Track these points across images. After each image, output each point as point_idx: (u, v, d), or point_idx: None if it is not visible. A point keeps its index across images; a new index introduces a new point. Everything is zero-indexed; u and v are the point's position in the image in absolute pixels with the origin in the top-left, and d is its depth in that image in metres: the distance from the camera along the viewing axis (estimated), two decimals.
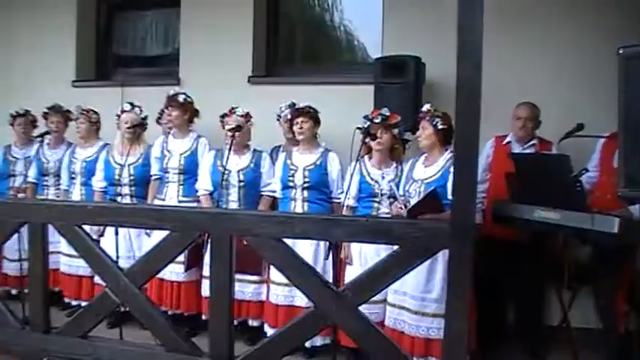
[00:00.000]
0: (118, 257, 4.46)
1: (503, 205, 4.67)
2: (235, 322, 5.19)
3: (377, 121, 4.81)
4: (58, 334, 4.30)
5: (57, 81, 7.27)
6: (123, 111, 5.76)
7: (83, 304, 5.70)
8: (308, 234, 3.73)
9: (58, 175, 6.32)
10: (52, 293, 5.50)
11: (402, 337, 4.48)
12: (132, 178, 5.72)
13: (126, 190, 5.70)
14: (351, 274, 4.45)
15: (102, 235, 5.35)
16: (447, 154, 4.61)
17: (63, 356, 4.31)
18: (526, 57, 5.56)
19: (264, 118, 5.59)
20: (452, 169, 4.32)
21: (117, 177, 5.69)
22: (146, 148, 5.83)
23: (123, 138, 5.73)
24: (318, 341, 4.95)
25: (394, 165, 5.00)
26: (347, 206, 4.94)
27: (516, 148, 5.16)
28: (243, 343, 4.92)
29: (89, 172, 6.00)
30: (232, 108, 5.38)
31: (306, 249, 4.78)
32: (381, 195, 4.89)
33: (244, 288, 5.21)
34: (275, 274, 4.98)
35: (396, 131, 4.91)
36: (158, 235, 4.92)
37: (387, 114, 4.84)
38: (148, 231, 5.35)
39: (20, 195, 6.09)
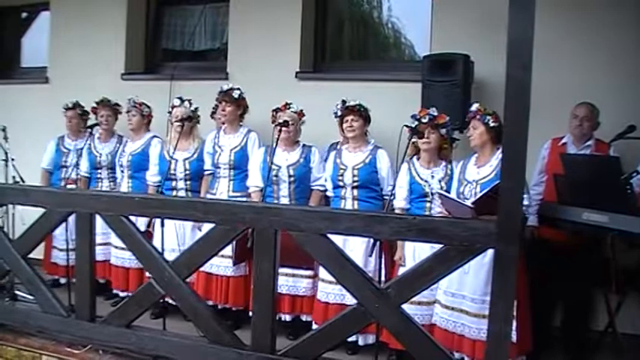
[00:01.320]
0: (163, 249, 4.49)
1: (550, 207, 4.60)
2: (289, 318, 5.26)
3: (424, 120, 4.75)
4: (103, 323, 4.37)
5: (106, 74, 7.31)
6: (173, 106, 5.78)
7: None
8: (353, 230, 3.73)
9: (110, 168, 6.35)
10: (99, 283, 5.57)
11: (462, 340, 4.41)
12: (187, 172, 5.74)
13: (181, 184, 5.73)
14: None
15: (149, 226, 5.38)
16: (499, 153, 4.51)
17: (107, 345, 4.37)
18: (583, 54, 5.41)
19: (311, 114, 5.55)
20: None
21: (172, 171, 5.70)
22: (200, 143, 5.83)
23: (175, 133, 5.75)
24: (360, 341, 4.96)
25: (443, 164, 4.92)
26: (399, 208, 4.90)
27: (572, 149, 5.01)
28: (285, 337, 4.92)
29: (135, 164, 6.05)
30: (287, 103, 5.37)
31: (357, 246, 4.77)
32: (432, 194, 4.81)
33: (298, 283, 5.18)
34: (324, 272, 4.89)
35: (443, 131, 4.85)
36: (207, 229, 4.99)
37: (435, 113, 4.78)
38: (199, 225, 5.38)
39: (71, 186, 6.15)
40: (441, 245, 3.49)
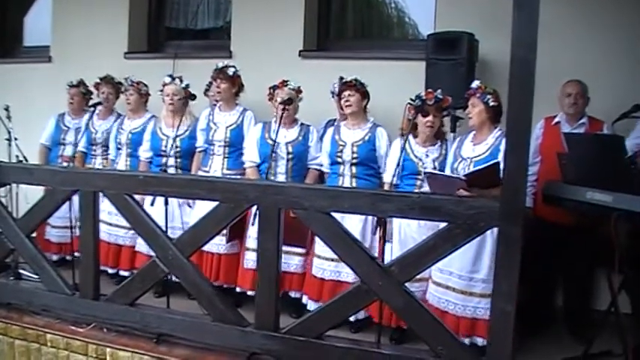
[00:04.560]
0: (167, 227, 4.50)
1: (554, 186, 4.59)
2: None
3: (430, 103, 4.73)
4: (107, 302, 4.39)
5: (109, 53, 7.29)
6: (164, 84, 5.79)
7: (122, 272, 5.87)
8: (357, 209, 3.74)
9: (105, 146, 6.38)
10: None
11: (445, 315, 4.42)
12: (178, 149, 5.73)
13: (172, 161, 5.71)
14: (389, 251, 4.38)
15: (151, 204, 5.38)
16: (497, 132, 4.52)
17: (111, 323, 4.39)
18: (576, 34, 5.38)
19: (315, 92, 5.55)
20: (502, 148, 4.30)
21: (164, 148, 5.71)
22: (193, 120, 5.84)
23: (167, 110, 5.79)
24: (361, 314, 4.92)
25: (439, 143, 4.92)
26: (387, 183, 4.90)
27: (566, 128, 5.01)
28: (288, 315, 4.92)
29: (135, 143, 6.04)
30: (284, 81, 5.36)
31: (353, 224, 4.74)
32: (424, 173, 4.81)
33: (289, 260, 5.16)
34: (320, 249, 4.94)
35: (445, 113, 4.84)
36: (200, 206, 4.99)
37: (441, 97, 4.77)
38: (190, 202, 5.42)
39: (67, 163, 6.14)
40: (442, 223, 3.52)
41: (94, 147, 6.37)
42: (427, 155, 4.81)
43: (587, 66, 5.20)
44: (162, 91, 5.76)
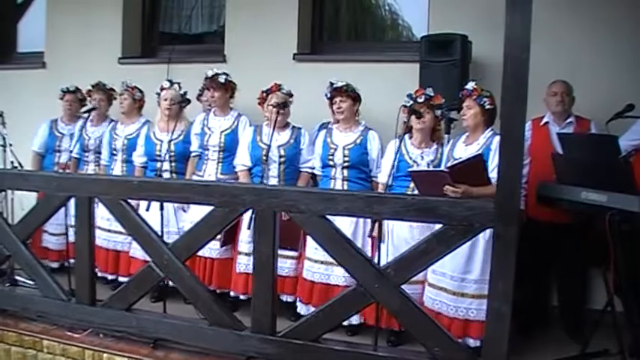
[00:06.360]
0: (162, 232, 4.50)
1: (548, 186, 4.60)
2: None
3: (420, 100, 4.73)
4: (103, 307, 4.38)
5: (103, 58, 7.28)
6: (162, 88, 5.77)
7: (120, 279, 5.79)
8: (352, 211, 3.75)
9: (98, 152, 6.33)
10: None
11: (438, 317, 4.37)
12: (172, 154, 5.70)
13: (166, 165, 5.66)
14: (384, 252, 4.38)
15: (147, 209, 5.37)
16: (488, 132, 4.52)
17: (107, 328, 4.39)
18: (563, 34, 5.39)
19: (309, 95, 5.55)
20: (493, 147, 4.30)
21: (158, 153, 5.69)
22: (187, 124, 5.82)
23: (163, 115, 5.77)
24: (355, 319, 4.92)
25: (435, 146, 4.90)
26: (382, 183, 4.88)
27: (554, 128, 5.04)
28: (285, 318, 4.91)
29: (131, 148, 6.01)
30: (277, 85, 5.36)
31: (345, 226, 4.66)
32: (408, 172, 4.78)
33: (281, 264, 5.01)
34: (311, 251, 4.95)
35: (438, 112, 4.83)
36: (194, 211, 4.98)
37: (431, 94, 4.77)
38: (184, 206, 5.41)
39: (65, 171, 6.12)
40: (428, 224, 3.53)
41: (86, 153, 6.33)
42: (422, 157, 4.80)
43: (581, 66, 5.22)
44: (159, 94, 5.75)
